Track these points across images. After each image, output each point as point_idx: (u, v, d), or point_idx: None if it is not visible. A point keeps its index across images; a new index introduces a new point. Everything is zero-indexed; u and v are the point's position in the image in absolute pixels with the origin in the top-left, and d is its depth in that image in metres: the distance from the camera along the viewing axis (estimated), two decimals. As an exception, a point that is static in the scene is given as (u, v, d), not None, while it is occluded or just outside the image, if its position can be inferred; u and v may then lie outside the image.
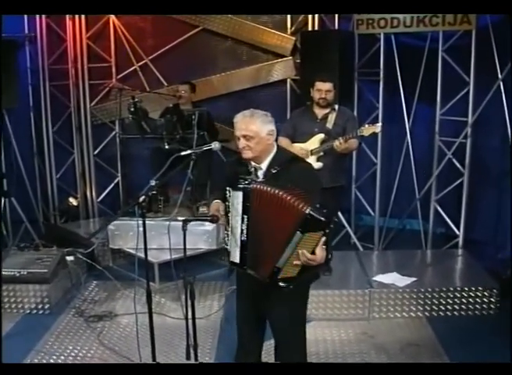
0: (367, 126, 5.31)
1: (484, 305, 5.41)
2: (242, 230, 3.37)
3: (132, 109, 6.42)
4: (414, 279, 5.53)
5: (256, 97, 7.94)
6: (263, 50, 7.83)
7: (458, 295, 5.38)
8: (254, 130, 3.42)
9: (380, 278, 5.60)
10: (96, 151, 8.05)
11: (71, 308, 5.64)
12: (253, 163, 3.54)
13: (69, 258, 6.11)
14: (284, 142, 5.58)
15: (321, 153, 5.48)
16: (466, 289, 5.38)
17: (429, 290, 5.38)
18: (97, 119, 8.00)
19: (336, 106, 5.64)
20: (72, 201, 7.98)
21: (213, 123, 7.07)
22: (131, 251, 6.44)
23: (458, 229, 6.53)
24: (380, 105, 6.83)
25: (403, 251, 6.51)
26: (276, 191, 3.22)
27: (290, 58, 7.70)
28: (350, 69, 6.87)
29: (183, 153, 3.86)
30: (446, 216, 6.64)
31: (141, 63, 7.88)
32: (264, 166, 3.53)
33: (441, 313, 5.41)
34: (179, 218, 6.34)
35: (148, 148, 7.36)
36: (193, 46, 7.81)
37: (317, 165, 5.44)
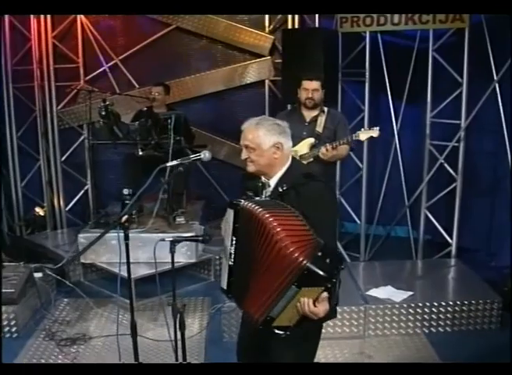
0: (363, 130, 4.98)
1: (485, 319, 5.10)
2: (230, 253, 2.95)
3: (103, 113, 5.94)
4: (410, 293, 5.19)
5: (232, 99, 7.63)
6: (239, 49, 7.46)
7: (458, 310, 5.06)
8: (256, 141, 3.06)
9: (375, 293, 5.24)
10: (63, 158, 7.53)
11: (41, 331, 5.14)
12: (263, 178, 3.14)
13: (38, 274, 5.64)
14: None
15: (311, 159, 5.13)
16: (466, 303, 5.06)
17: (427, 304, 5.04)
18: (64, 123, 7.49)
19: (326, 108, 5.30)
20: (39, 210, 7.46)
21: (189, 128, 6.67)
22: (104, 265, 5.99)
23: (450, 237, 6.22)
24: (366, 108, 6.48)
25: (393, 262, 6.16)
26: (269, 221, 2.72)
27: (269, 58, 7.36)
28: (335, 69, 6.51)
29: (169, 164, 3.44)
30: (437, 223, 6.33)
31: (111, 64, 7.42)
32: (272, 182, 3.12)
33: (440, 329, 5.08)
34: (167, 231, 6.02)
35: (120, 154, 6.94)
36: (166, 46, 7.39)
37: (308, 170, 5.10)
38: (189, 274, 6.29)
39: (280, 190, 3.02)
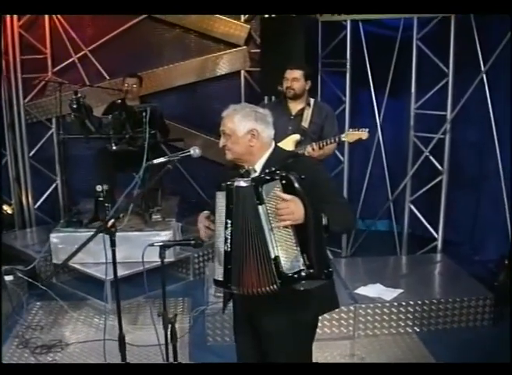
0: (351, 130, 4.77)
1: (478, 316, 4.96)
2: (226, 238, 2.77)
3: (74, 106, 5.62)
4: (400, 291, 5.01)
5: (206, 91, 7.40)
6: (214, 39, 7.23)
7: (450, 307, 4.91)
8: (230, 126, 2.92)
9: (363, 291, 5.05)
10: (31, 153, 7.18)
11: (13, 338, 4.82)
12: (246, 166, 2.96)
13: (8, 277, 5.33)
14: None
15: (298, 157, 4.91)
16: (458, 300, 4.91)
17: (419, 302, 4.87)
18: (31, 116, 7.13)
19: (312, 100, 5.10)
20: (6, 208, 7.10)
21: (164, 121, 6.39)
22: (78, 266, 5.71)
23: (435, 231, 6.07)
24: (347, 99, 6.30)
25: (378, 258, 5.97)
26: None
27: (244, 48, 7.14)
28: (315, 59, 6.30)
29: (156, 161, 3.18)
30: (422, 217, 6.18)
31: (80, 55, 7.09)
32: (258, 167, 2.94)
33: (431, 327, 4.93)
34: (143, 230, 5.78)
35: (91, 149, 6.63)
36: (137, 35, 7.10)
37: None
38: (168, 274, 6.00)
39: (268, 171, 2.82)
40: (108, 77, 7.11)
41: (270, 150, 2.98)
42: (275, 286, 2.68)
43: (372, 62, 6.20)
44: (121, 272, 5.40)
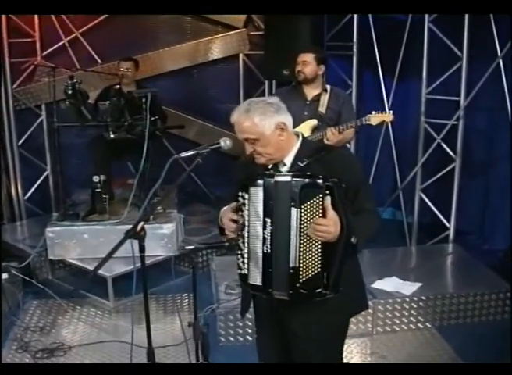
0: (374, 113, 4.52)
1: (498, 309, 4.78)
2: (264, 238, 2.56)
3: (70, 92, 5.31)
4: (419, 284, 4.80)
5: (203, 75, 7.11)
6: (211, 21, 6.90)
7: (470, 301, 4.72)
8: (255, 129, 2.60)
9: (380, 285, 4.83)
10: (20, 141, 6.80)
11: (12, 341, 4.51)
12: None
13: (3, 275, 5.01)
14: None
15: (313, 143, 4.67)
16: (479, 294, 4.72)
17: (439, 296, 4.68)
18: (20, 103, 6.74)
19: (329, 87, 4.85)
20: (-6, 200, 6.76)
21: (162, 107, 6.08)
22: (75, 262, 5.41)
23: (447, 220, 5.86)
24: (354, 84, 6.09)
25: (388, 249, 5.73)
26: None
27: (243, 30, 6.85)
28: (321, 41, 6.04)
29: (184, 154, 2.89)
30: (433, 206, 5.96)
31: (70, 38, 6.72)
32: (288, 160, 2.70)
33: (451, 322, 4.74)
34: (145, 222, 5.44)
35: (82, 137, 6.35)
36: (131, 17, 6.60)
37: (309, 156, 4.65)
38: (168, 268, 5.72)
39: (302, 164, 2.63)
40: (100, 61, 6.76)
41: (299, 141, 2.74)
42: (284, 295, 2.58)
43: (380, 45, 5.96)
44: (123, 267, 5.20)
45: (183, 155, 2.86)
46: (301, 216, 2.45)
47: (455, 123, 5.60)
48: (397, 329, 4.65)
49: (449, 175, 5.79)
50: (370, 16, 5.91)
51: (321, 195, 2.41)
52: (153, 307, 5.14)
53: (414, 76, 5.89)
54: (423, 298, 4.66)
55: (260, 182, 2.54)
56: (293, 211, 2.45)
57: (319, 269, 2.48)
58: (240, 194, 2.65)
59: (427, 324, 4.70)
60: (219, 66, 7.04)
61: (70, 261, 5.46)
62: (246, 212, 2.62)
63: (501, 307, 4.77)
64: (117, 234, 5.36)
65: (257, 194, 2.55)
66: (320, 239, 2.43)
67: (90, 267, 5.25)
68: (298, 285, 2.52)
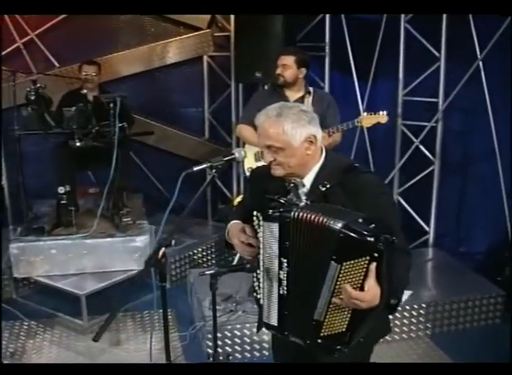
0: (365, 114, 4.34)
1: (490, 314, 4.70)
2: (280, 279, 2.33)
3: (33, 98, 4.96)
4: (409, 292, 4.65)
5: (166, 78, 6.82)
6: (174, 22, 6.59)
7: (463, 307, 4.63)
8: (283, 138, 2.36)
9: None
10: (-28, 151, 6.33)
11: (-19, 370, 4.17)
12: (291, 178, 2.48)
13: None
14: (247, 132, 4.62)
15: (300, 147, 4.46)
16: (471, 299, 4.64)
17: (432, 304, 4.56)
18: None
19: (311, 89, 4.66)
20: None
21: (130, 112, 5.76)
22: (42, 279, 5.05)
23: (427, 224, 5.75)
24: (326, 85, 5.91)
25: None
26: (315, 215, 2.22)
27: (207, 31, 6.55)
28: (294, 42, 5.83)
29: (196, 168, 2.64)
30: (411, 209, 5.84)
31: (26, 39, 6.29)
32: (307, 181, 2.46)
33: (445, 329, 4.64)
34: (115, 235, 5.16)
35: (39, 145, 5.98)
36: (89, 18, 6.21)
37: (296, 162, 4.45)
38: (140, 282, 5.41)
39: (323, 189, 2.38)
40: (57, 64, 6.36)
41: (322, 158, 2.48)
42: (300, 341, 2.37)
43: (354, 46, 5.78)
44: (95, 284, 4.89)
45: (196, 168, 2.62)
46: (340, 274, 2.16)
47: (434, 124, 5.49)
48: (389, 339, 4.48)
49: (426, 178, 5.68)
50: (342, 15, 5.73)
51: (368, 258, 2.11)
52: (129, 325, 4.86)
53: (390, 78, 5.75)
54: (415, 306, 4.54)
55: (275, 216, 2.29)
56: (333, 265, 2.15)
57: (344, 330, 2.25)
58: (255, 214, 2.42)
59: (419, 333, 4.58)
60: (182, 68, 6.73)
61: (37, 278, 5.08)
62: (261, 239, 2.39)
63: (492, 312, 4.72)
64: (87, 249, 5.11)
65: (273, 231, 2.31)
66: (354, 307, 2.18)
67: (59, 284, 4.93)
68: (317, 338, 2.28)
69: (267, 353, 4.30)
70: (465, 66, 5.30)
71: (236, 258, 5.83)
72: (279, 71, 4.59)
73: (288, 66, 4.57)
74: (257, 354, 4.33)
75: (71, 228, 5.24)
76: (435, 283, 5.05)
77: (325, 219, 2.17)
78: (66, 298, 4.93)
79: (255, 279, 2.50)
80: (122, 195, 5.50)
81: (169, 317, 4.91)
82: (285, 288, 2.32)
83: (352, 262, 2.12)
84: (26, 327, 4.75)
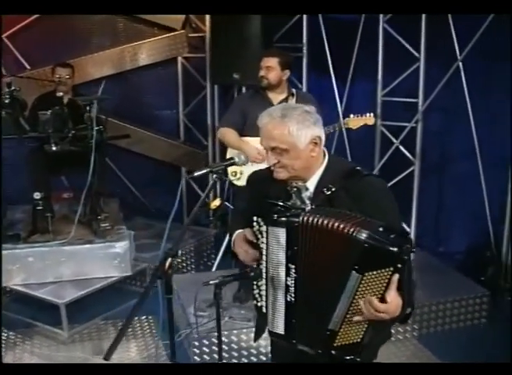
0: (353, 116, 4.30)
1: (475, 314, 4.71)
2: (287, 286, 2.26)
3: (7, 101, 4.80)
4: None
5: (139, 80, 6.74)
6: (147, 23, 6.49)
7: (449, 307, 4.62)
8: (288, 139, 2.30)
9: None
10: None
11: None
12: (294, 182, 2.42)
13: None
14: (230, 136, 4.52)
15: (285, 151, 4.39)
16: (457, 299, 4.64)
17: (419, 305, 4.52)
18: None
19: (294, 90, 4.60)
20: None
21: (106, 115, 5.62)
22: (20, 288, 4.89)
23: (408, 225, 5.73)
24: (304, 86, 5.86)
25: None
26: (329, 220, 2.15)
27: (182, 31, 6.44)
28: (270, 42, 5.77)
29: (197, 173, 2.55)
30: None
31: (-6, 41, 6.10)
32: (311, 184, 2.41)
33: (432, 330, 4.63)
34: (94, 241, 5.02)
35: (9, 149, 5.77)
36: (61, 19, 6.15)
37: (282, 165, 4.39)
38: (118, 289, 5.28)
39: (328, 192, 2.32)
40: (28, 67, 6.22)
41: (325, 161, 2.43)
42: (309, 350, 2.31)
43: (332, 46, 5.72)
44: (75, 293, 4.75)
45: (196, 174, 2.54)
46: (360, 284, 2.09)
47: (414, 125, 5.48)
48: (378, 342, 4.46)
49: (406, 178, 5.66)
50: (320, 15, 5.69)
51: (391, 269, 2.04)
52: (111, 333, 4.72)
53: (369, 78, 5.72)
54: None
55: (281, 221, 2.23)
56: (354, 275, 2.08)
57: (359, 340, 2.19)
58: (255, 219, 2.34)
59: (406, 335, 4.55)
60: (156, 70, 6.63)
61: (14, 287, 4.91)
62: (264, 245, 2.32)
63: (478, 312, 4.74)
64: (65, 256, 4.97)
65: (279, 236, 2.25)
66: (374, 318, 2.12)
67: (37, 293, 4.77)
68: (331, 348, 2.23)
69: (255, 359, 4.24)
70: (445, 66, 5.30)
71: (216, 263, 5.76)
72: (262, 73, 4.51)
73: (272, 68, 4.49)
74: (245, 360, 4.25)
75: (47, 235, 5.09)
76: (420, 284, 4.98)
77: (344, 227, 2.12)
78: (44, 307, 4.78)
79: (255, 286, 2.43)
80: (99, 200, 5.36)
81: (151, 324, 4.84)
82: (292, 295, 2.26)
83: (375, 272, 2.06)
84: (4, 338, 4.58)
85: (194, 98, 6.62)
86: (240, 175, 4.48)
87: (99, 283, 4.90)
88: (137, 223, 6.28)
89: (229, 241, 2.63)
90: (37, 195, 5.03)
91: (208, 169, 2.53)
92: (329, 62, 5.74)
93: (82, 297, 4.76)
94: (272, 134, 2.32)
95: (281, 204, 2.32)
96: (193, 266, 5.88)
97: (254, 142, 4.42)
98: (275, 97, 4.53)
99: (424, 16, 5.21)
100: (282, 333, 2.34)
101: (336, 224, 2.12)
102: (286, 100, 4.51)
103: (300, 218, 2.20)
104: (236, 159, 2.58)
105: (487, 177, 5.30)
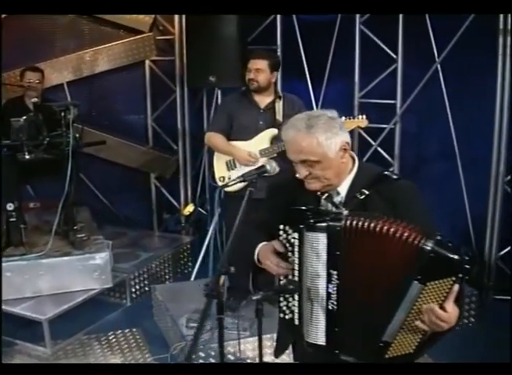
0: (344, 118, 4.23)
1: (464, 313, 4.68)
2: (329, 293, 2.17)
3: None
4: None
5: (106, 84, 6.50)
6: (114, 25, 6.28)
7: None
8: (318, 151, 2.22)
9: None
10: None
11: None
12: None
13: None
14: (217, 140, 4.42)
15: (275, 154, 4.31)
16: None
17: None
18: None
19: (281, 93, 4.53)
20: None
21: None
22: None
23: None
24: (279, 88, 5.70)
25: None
26: (377, 223, 2.09)
27: (151, 34, 6.29)
28: (246, 44, 5.68)
29: (231, 183, 2.44)
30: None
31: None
32: (342, 190, 2.34)
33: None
34: (72, 253, 4.80)
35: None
36: (23, 21, 5.91)
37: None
38: (99, 301, 5.08)
39: (361, 197, 2.27)
40: (-9, 71, 5.93)
41: (356, 165, 2.37)
42: (355, 360, 2.23)
43: (307, 48, 5.68)
44: (56, 307, 4.55)
45: (230, 183, 2.43)
46: (421, 295, 2.02)
47: (392, 127, 5.47)
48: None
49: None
50: (294, 16, 5.63)
51: (453, 279, 1.98)
52: (97, 348, 4.53)
53: (346, 80, 5.68)
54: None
55: (322, 226, 2.15)
56: (415, 285, 2.02)
57: (412, 351, 2.13)
58: (282, 228, 2.27)
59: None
60: (123, 74, 6.42)
61: (-9, 305, 4.67)
62: (296, 253, 2.24)
63: (467, 311, 4.69)
64: (44, 269, 4.75)
65: (319, 242, 2.16)
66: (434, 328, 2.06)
67: (17, 310, 4.54)
68: (381, 360, 2.16)
69: (253, 370, 4.12)
70: (422, 66, 5.29)
71: (194, 272, 5.60)
72: (252, 76, 4.41)
73: (262, 71, 4.41)
74: (242, 371, 4.13)
75: (21, 248, 4.85)
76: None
77: (405, 234, 2.05)
78: (23, 324, 4.55)
79: (282, 299, 2.33)
80: (73, 210, 5.16)
81: (137, 337, 4.68)
82: (334, 303, 2.18)
83: (436, 282, 1.99)
84: (-19, 360, 4.34)
85: (163, 103, 6.47)
86: (228, 180, 4.37)
87: (80, 297, 4.70)
88: (108, 232, 6.04)
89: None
90: (10, 206, 4.79)
91: (242, 178, 2.42)
92: (304, 63, 5.70)
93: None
94: (300, 147, 2.24)
95: (314, 209, 2.25)
96: (170, 275, 5.72)
97: (242, 146, 4.34)
98: (262, 100, 4.46)
99: (401, 16, 5.21)
100: (323, 343, 2.24)
101: (393, 230, 2.06)
102: (273, 103, 4.45)
103: (343, 222, 2.13)
104: (268, 167, 2.47)
105: (466, 177, 5.31)
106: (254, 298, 2.25)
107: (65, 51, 6.21)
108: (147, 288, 5.34)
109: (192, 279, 5.53)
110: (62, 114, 4.73)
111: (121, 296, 5.23)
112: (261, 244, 2.44)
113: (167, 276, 5.68)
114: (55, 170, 4.83)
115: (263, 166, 2.47)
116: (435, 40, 5.18)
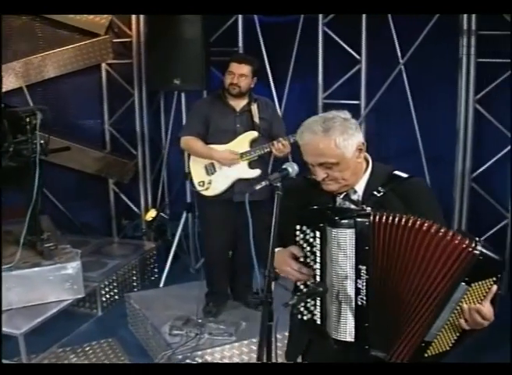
0: None
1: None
2: (358, 289, 2.17)
3: None
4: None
5: (61, 88, 6.28)
6: (68, 28, 6.08)
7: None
8: (336, 153, 2.25)
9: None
10: None
11: None
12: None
13: None
14: (195, 143, 4.39)
15: (256, 157, 4.29)
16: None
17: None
18: None
19: (255, 96, 4.52)
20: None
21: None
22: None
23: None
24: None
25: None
26: (416, 223, 2.10)
27: (107, 37, 6.16)
28: (209, 46, 5.62)
29: (257, 187, 2.40)
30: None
31: None
32: (359, 188, 2.37)
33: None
34: (41, 263, 4.58)
35: None
36: None
37: (253, 173, 4.28)
38: (70, 312, 4.90)
39: (378, 195, 2.31)
40: None
41: (370, 164, 2.41)
42: (386, 357, 2.22)
43: (270, 49, 5.68)
44: (31, 321, 4.38)
45: (257, 187, 2.38)
46: (465, 295, 2.05)
47: (357, 126, 5.52)
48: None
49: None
50: (256, 17, 5.62)
51: (494, 279, 2.04)
52: (74, 361, 4.40)
53: (309, 81, 5.71)
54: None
55: (348, 222, 2.15)
56: (462, 287, 2.05)
57: (448, 348, 2.16)
58: (298, 228, 2.27)
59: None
60: (78, 77, 6.23)
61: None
62: (317, 252, 2.23)
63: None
64: (14, 281, 4.56)
65: (346, 237, 2.15)
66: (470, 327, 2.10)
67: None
68: (419, 359, 2.17)
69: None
70: (386, 67, 5.38)
71: (163, 278, 5.52)
72: (235, 81, 4.34)
73: (245, 76, 4.36)
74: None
75: (-15, 260, 4.66)
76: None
77: (449, 235, 2.07)
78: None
79: (298, 299, 2.30)
80: (38, 219, 4.99)
81: (114, 347, 4.57)
82: (364, 298, 2.17)
83: (480, 283, 2.04)
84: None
85: (120, 107, 6.34)
86: (208, 185, 4.32)
87: (54, 308, 4.53)
88: (70, 240, 5.87)
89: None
90: (-15, 214, 4.61)
91: (268, 182, 2.38)
92: (267, 64, 5.69)
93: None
94: (318, 150, 2.26)
95: (334, 207, 2.29)
96: (138, 282, 5.60)
97: (222, 148, 4.31)
98: (237, 103, 4.42)
99: (364, 17, 5.28)
100: (352, 339, 2.22)
101: (434, 229, 2.08)
102: (248, 105, 4.42)
103: (371, 217, 2.14)
104: (290, 170, 2.43)
105: (432, 175, 5.41)
106: (291, 302, 2.22)
107: (18, 54, 5.97)
108: (116, 297, 5.23)
109: (161, 285, 5.47)
110: (28, 119, 4.58)
111: (91, 306, 5.09)
112: (277, 250, 2.42)
113: (134, 283, 5.56)
114: (18, 178, 4.66)
115: (285, 169, 2.44)
116: (399, 40, 5.26)
